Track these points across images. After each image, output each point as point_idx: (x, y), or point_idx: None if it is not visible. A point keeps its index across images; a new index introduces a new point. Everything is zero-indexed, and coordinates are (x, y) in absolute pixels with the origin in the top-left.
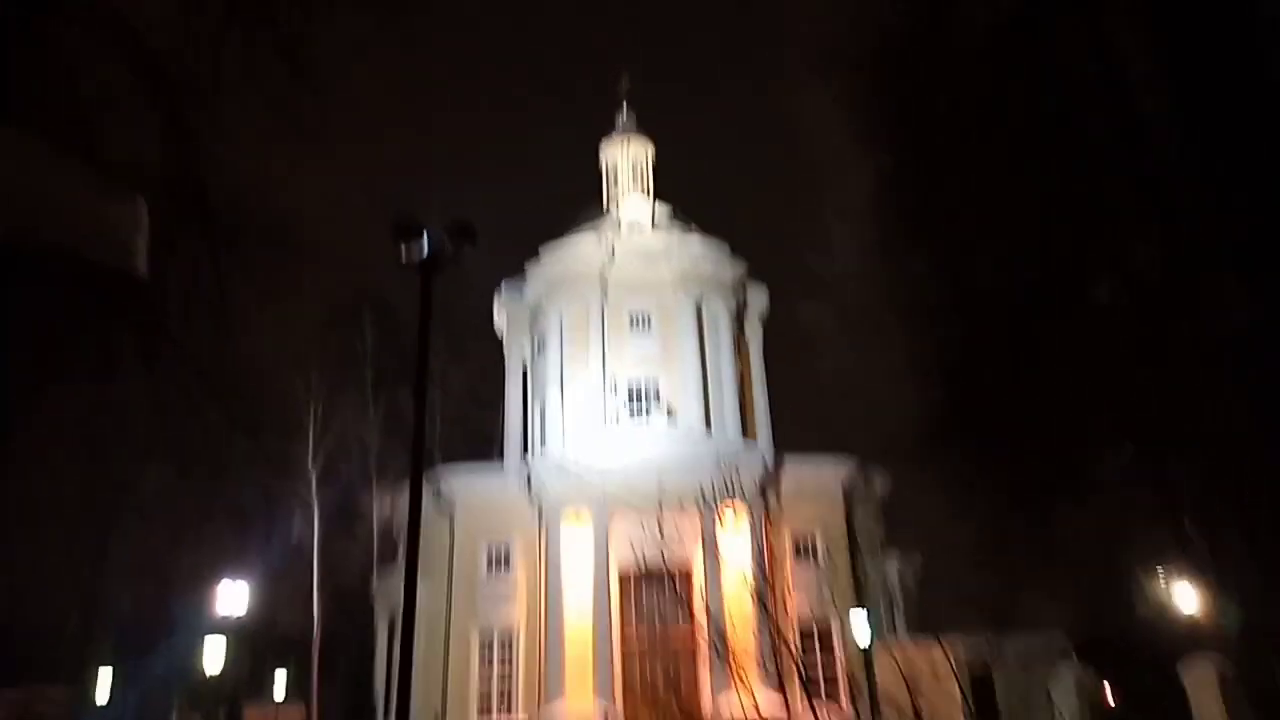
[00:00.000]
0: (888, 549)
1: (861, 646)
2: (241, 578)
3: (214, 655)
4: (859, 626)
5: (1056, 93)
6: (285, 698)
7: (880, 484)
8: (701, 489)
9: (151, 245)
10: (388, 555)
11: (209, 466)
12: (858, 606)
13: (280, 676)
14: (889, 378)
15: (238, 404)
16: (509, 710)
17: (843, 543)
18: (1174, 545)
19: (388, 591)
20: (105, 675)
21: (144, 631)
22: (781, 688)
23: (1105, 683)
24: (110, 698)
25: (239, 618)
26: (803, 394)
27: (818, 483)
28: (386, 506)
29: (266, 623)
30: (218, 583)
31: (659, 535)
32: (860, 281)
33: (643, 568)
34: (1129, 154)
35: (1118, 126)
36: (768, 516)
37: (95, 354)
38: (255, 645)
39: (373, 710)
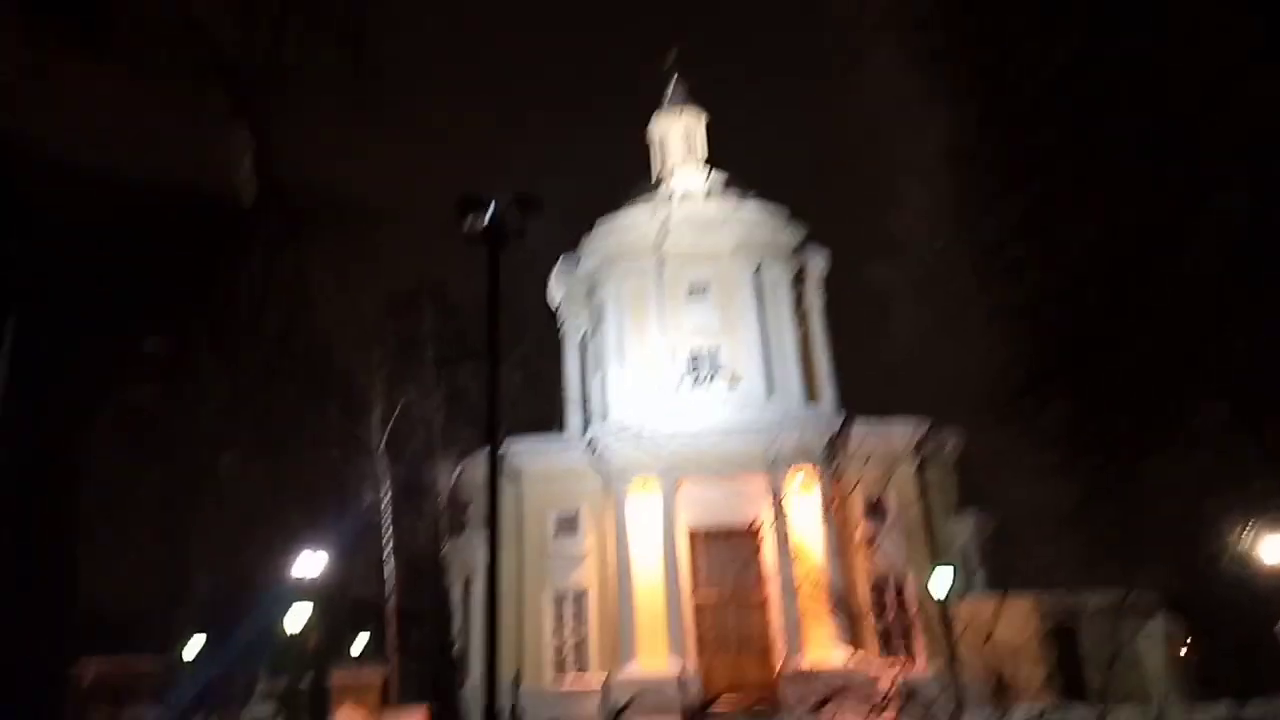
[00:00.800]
0: (962, 508)
1: (937, 600)
2: (319, 549)
3: (298, 620)
4: (935, 582)
5: (1155, 34)
6: (365, 661)
7: (954, 443)
8: (766, 452)
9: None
10: (455, 526)
11: (282, 446)
12: (932, 564)
13: (360, 641)
14: (966, 336)
15: (309, 384)
16: (584, 670)
17: (915, 502)
18: (1268, 502)
19: (458, 559)
20: (193, 644)
21: (229, 602)
22: (855, 644)
23: (1194, 640)
24: (198, 664)
25: (318, 586)
26: (872, 356)
27: (887, 443)
28: (452, 479)
29: (343, 592)
30: (297, 554)
31: (727, 499)
32: (936, 238)
33: (712, 530)
34: (1228, 99)
35: (1215, 69)
36: (836, 477)
37: (172, 341)
38: (334, 613)
39: (452, 671)
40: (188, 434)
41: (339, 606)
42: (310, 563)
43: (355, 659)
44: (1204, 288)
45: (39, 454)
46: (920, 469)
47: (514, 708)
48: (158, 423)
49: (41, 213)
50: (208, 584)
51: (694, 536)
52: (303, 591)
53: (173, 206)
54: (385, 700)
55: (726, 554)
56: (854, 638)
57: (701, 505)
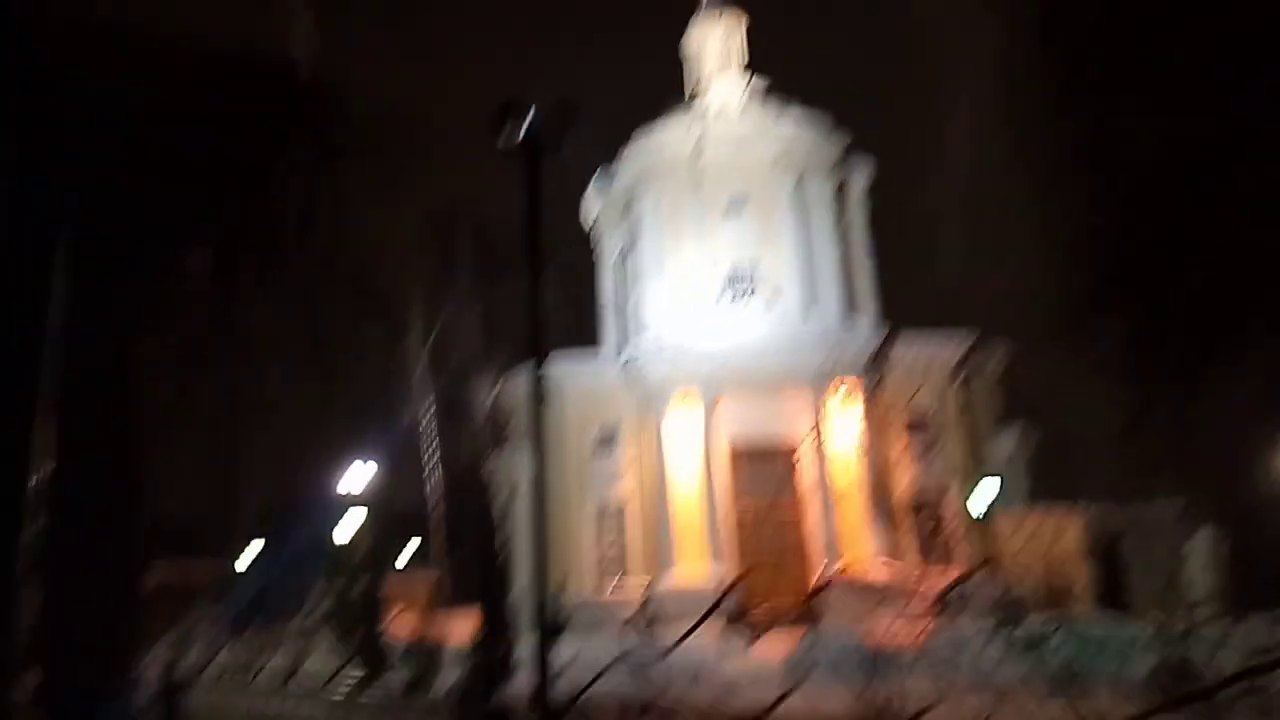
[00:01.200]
0: (1006, 422)
1: (978, 515)
2: (367, 461)
3: (349, 530)
4: (977, 495)
5: None
6: (413, 570)
7: (999, 358)
8: (806, 367)
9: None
10: (496, 441)
11: (329, 362)
12: (975, 477)
13: (408, 550)
14: (1018, 252)
15: (353, 301)
16: (624, 580)
17: (958, 416)
18: None
19: (500, 473)
20: (249, 553)
21: (282, 513)
22: (896, 555)
23: (1238, 556)
24: (253, 572)
25: (367, 497)
26: (917, 270)
27: (931, 357)
28: (492, 396)
29: (391, 503)
30: (346, 467)
31: (767, 414)
32: (988, 150)
33: (752, 445)
34: None
35: None
36: (877, 391)
37: (218, 258)
38: (383, 523)
39: (499, 578)
40: (236, 349)
41: (387, 517)
42: (359, 475)
43: (403, 569)
44: (1269, 208)
45: (101, 367)
46: (964, 383)
47: (559, 614)
48: (208, 338)
49: (95, 89)
50: (261, 495)
51: (734, 451)
52: (352, 502)
53: (230, 81)
54: (434, 606)
55: (766, 468)
56: (895, 550)
57: (741, 420)
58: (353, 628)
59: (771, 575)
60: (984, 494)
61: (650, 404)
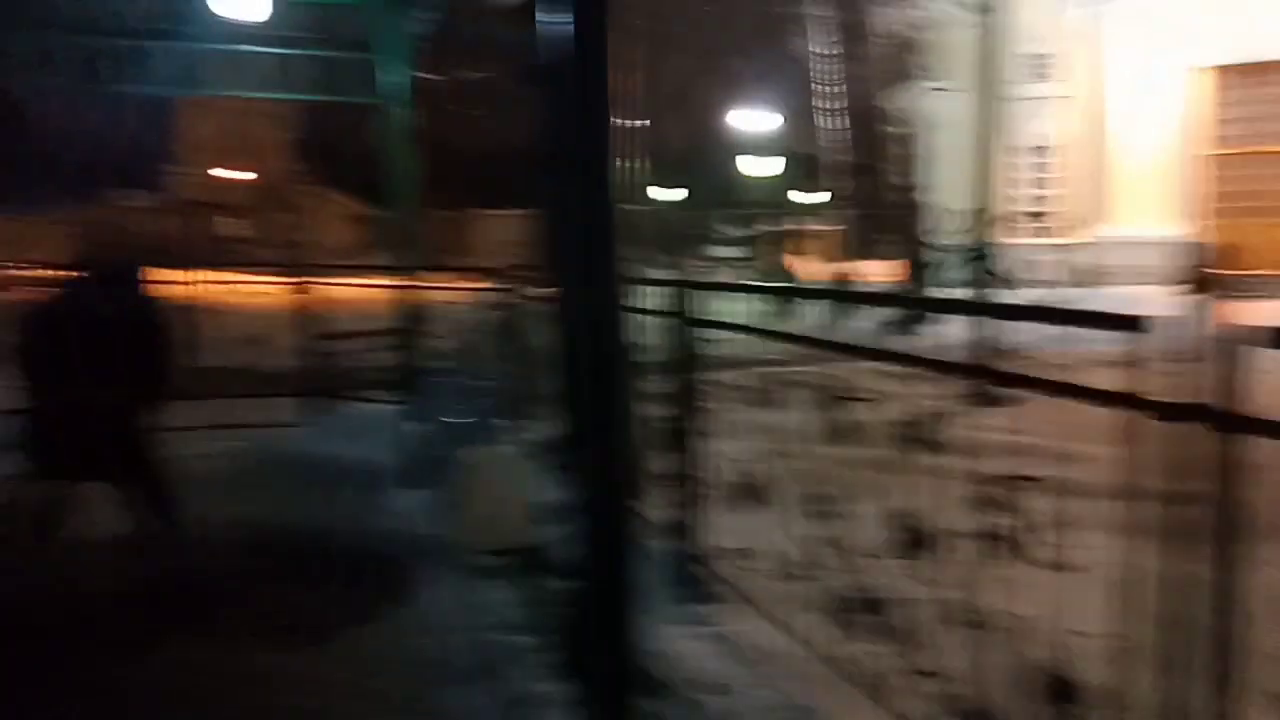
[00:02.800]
0: None
1: None
2: (767, 104)
3: (755, 171)
4: None
5: None
6: (817, 214)
7: None
8: None
9: None
10: (904, 74)
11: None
12: None
13: (813, 196)
14: None
15: None
16: (1059, 228)
17: None
18: None
19: (910, 108)
20: (663, 196)
21: (689, 155)
22: None
23: None
24: (668, 212)
25: (771, 139)
26: None
27: None
28: (900, 20)
29: (794, 145)
30: (748, 108)
31: (1261, 18)
32: None
33: (1235, 65)
34: None
35: None
36: None
37: None
38: (787, 165)
39: (916, 222)
40: None
41: (791, 159)
42: (759, 117)
43: (809, 213)
44: None
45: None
46: None
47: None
48: None
49: None
50: (674, 136)
51: (1206, 74)
52: (756, 145)
53: None
54: (838, 252)
55: (1256, 93)
56: None
57: (1216, 33)
58: (767, 262)
59: (1260, 232)
60: None
61: (1093, 14)
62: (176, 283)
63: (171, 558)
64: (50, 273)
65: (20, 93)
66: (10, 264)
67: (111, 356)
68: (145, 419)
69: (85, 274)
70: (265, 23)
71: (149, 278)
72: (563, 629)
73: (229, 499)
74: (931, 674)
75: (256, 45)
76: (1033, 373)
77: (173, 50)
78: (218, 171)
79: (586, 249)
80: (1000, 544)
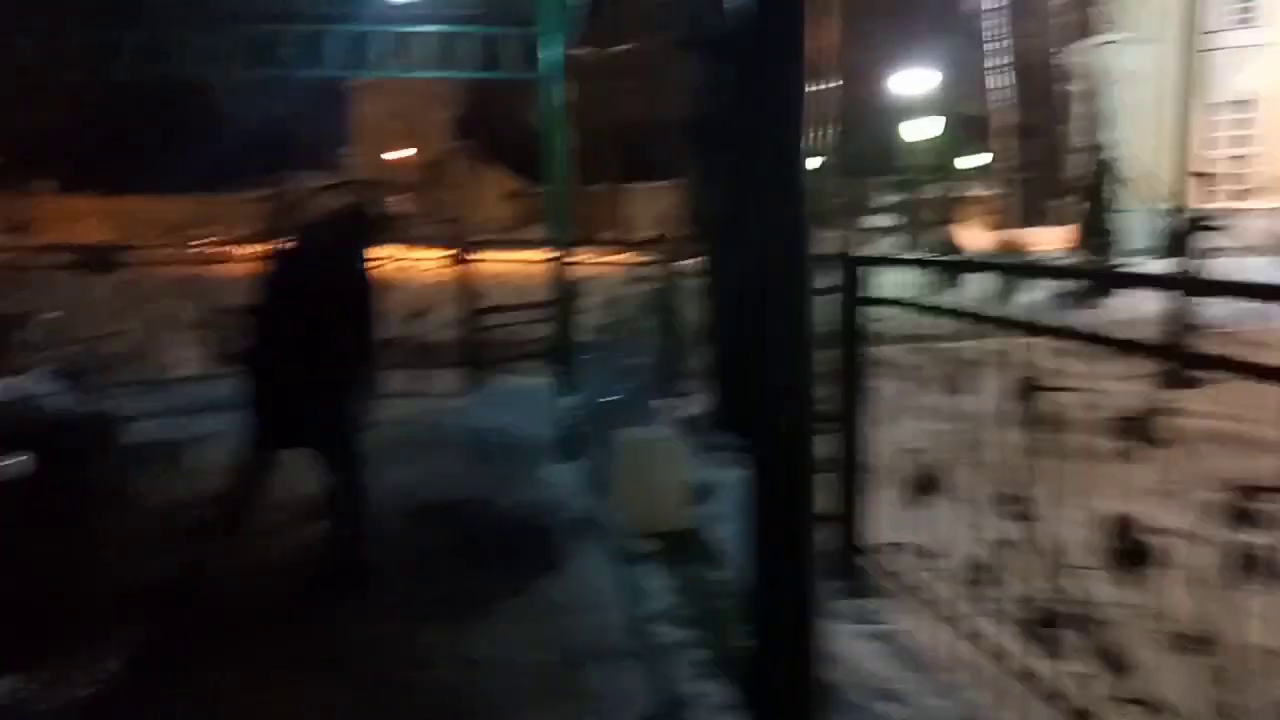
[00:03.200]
0: None
1: None
2: (929, 63)
3: (914, 134)
4: None
5: None
6: (980, 179)
7: None
8: None
9: None
10: (1081, 28)
11: None
12: None
13: (974, 159)
14: None
15: None
16: (1258, 189)
17: None
18: None
19: (1086, 65)
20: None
21: (844, 119)
22: None
23: None
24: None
25: (931, 100)
26: None
27: None
28: None
29: (955, 106)
30: (908, 69)
31: None
32: None
33: None
34: None
35: None
36: None
37: None
38: (948, 128)
39: (1095, 189)
40: None
41: (952, 122)
42: (921, 77)
43: (970, 178)
44: None
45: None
46: None
47: (1181, 230)
48: None
49: None
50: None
51: None
52: (916, 106)
53: None
54: (1005, 221)
55: None
56: None
57: None
58: (926, 231)
59: None
60: None
61: None
62: (382, 259)
63: (359, 525)
64: (262, 247)
65: (208, 83)
66: (214, 240)
67: (336, 327)
68: (358, 388)
69: (305, 248)
70: (430, 1)
71: (367, 253)
72: (723, 624)
73: (390, 466)
74: (1157, 708)
75: (422, 25)
76: (1232, 352)
77: (343, 34)
78: (385, 152)
79: (778, 229)
80: (1251, 564)
